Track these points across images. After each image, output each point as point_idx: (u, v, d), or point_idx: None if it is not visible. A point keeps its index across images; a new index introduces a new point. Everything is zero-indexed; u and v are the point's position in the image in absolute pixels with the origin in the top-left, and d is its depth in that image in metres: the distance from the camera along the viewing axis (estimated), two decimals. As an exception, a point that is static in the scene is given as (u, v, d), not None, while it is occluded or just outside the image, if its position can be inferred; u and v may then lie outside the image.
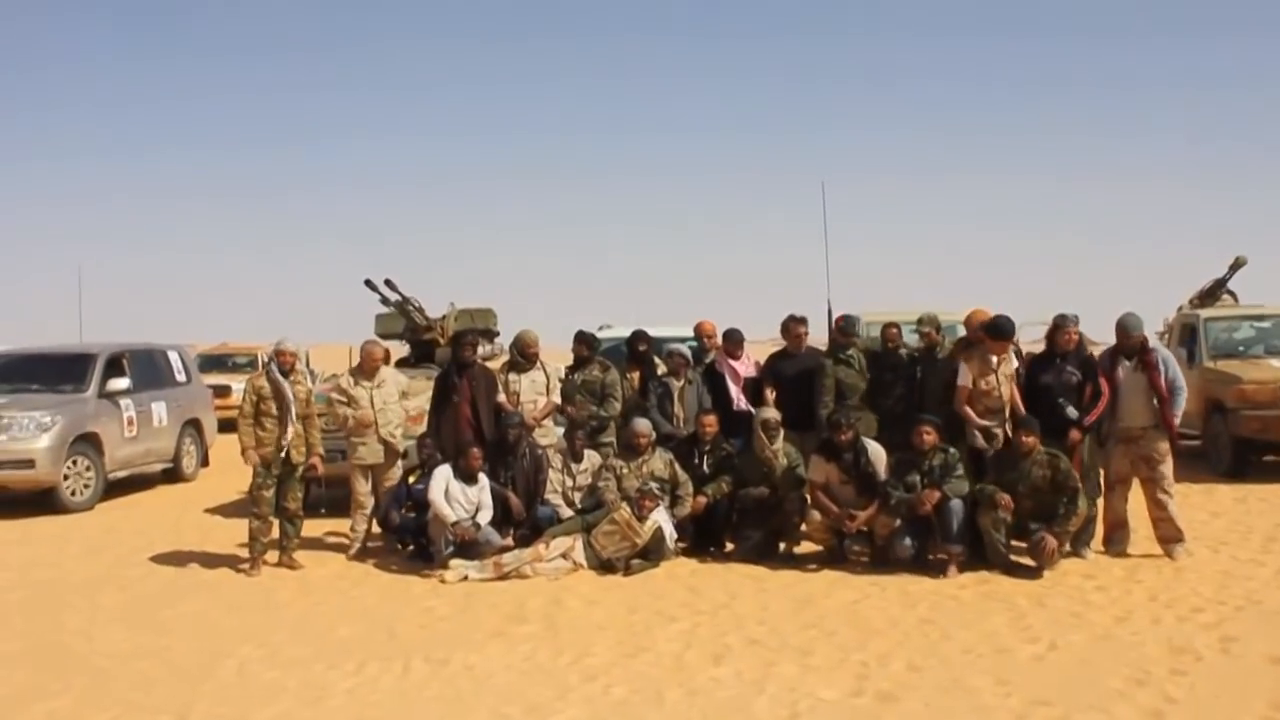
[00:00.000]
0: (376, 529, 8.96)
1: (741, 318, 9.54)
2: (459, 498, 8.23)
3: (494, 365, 10.05)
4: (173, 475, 13.56)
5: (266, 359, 8.94)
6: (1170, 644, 5.84)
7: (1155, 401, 7.92)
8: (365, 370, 8.99)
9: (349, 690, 5.45)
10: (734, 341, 9.32)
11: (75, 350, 13.21)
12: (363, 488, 8.84)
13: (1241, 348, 12.69)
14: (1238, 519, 9.34)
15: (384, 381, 8.96)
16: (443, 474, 8.29)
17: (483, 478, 8.39)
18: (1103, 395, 7.97)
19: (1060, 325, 8.20)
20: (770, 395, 9.03)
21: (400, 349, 13.46)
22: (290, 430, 8.21)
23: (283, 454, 8.25)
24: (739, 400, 9.06)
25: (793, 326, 9.17)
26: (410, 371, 11.33)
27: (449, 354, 10.48)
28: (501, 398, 9.11)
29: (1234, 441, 11.59)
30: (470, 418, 8.90)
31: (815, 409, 8.80)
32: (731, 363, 9.23)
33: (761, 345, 9.62)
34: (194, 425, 14.03)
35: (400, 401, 9.03)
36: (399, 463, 9.03)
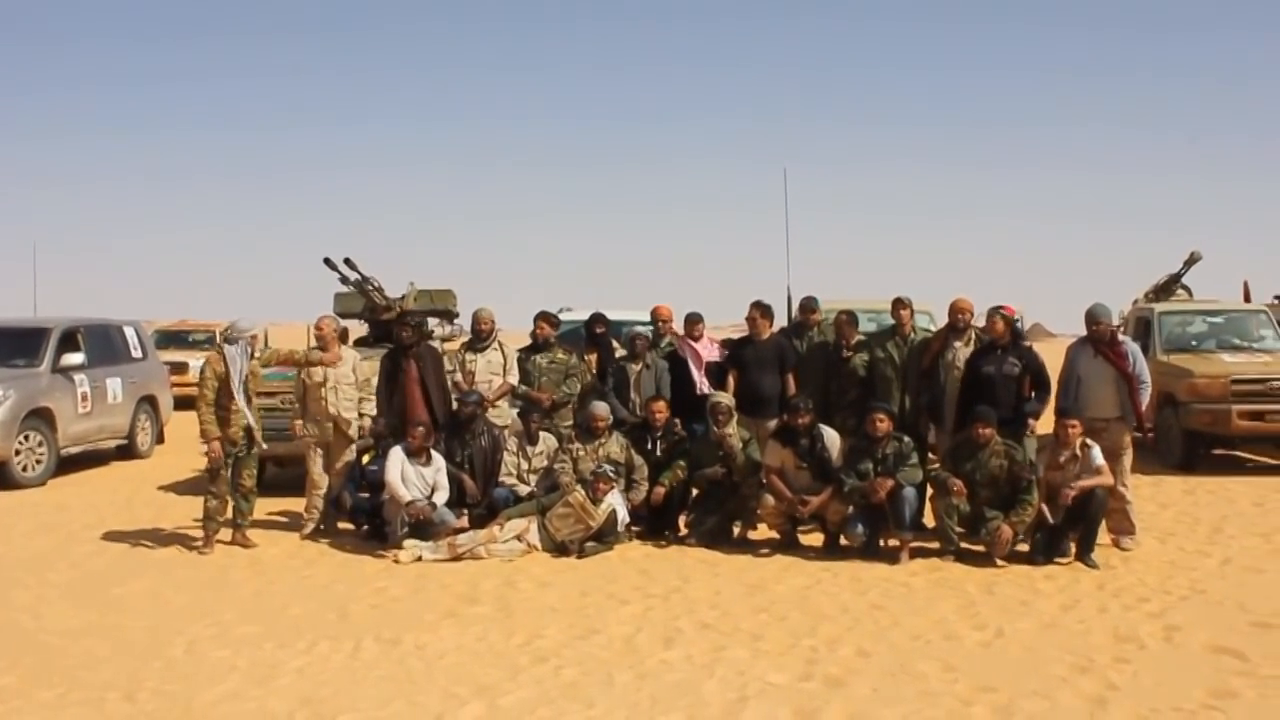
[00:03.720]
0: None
1: (704, 304, 9.60)
2: (414, 478, 8.21)
3: (453, 346, 10.02)
4: (127, 452, 13.45)
5: (221, 338, 8.91)
6: (1115, 632, 5.93)
7: (1121, 393, 7.98)
8: (321, 346, 8.91)
9: (299, 669, 5.43)
10: (692, 323, 9.34)
11: (29, 324, 13.02)
12: (316, 467, 8.80)
13: (1194, 342, 12.88)
14: (1185, 510, 9.50)
15: (342, 360, 8.90)
16: (398, 455, 8.26)
17: (438, 458, 8.38)
18: (1048, 388, 8.13)
19: (989, 316, 8.24)
20: (731, 381, 9.02)
21: (359, 328, 13.40)
22: (244, 408, 8.17)
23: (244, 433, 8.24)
24: (702, 384, 9.06)
25: (754, 314, 9.16)
26: (368, 351, 11.28)
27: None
28: (458, 377, 9.08)
29: (1185, 434, 11.76)
30: (421, 398, 8.87)
31: (782, 388, 8.84)
32: (693, 345, 9.24)
33: (723, 331, 9.62)
34: (149, 402, 13.91)
35: (356, 384, 8.95)
36: (353, 443, 8.98)
